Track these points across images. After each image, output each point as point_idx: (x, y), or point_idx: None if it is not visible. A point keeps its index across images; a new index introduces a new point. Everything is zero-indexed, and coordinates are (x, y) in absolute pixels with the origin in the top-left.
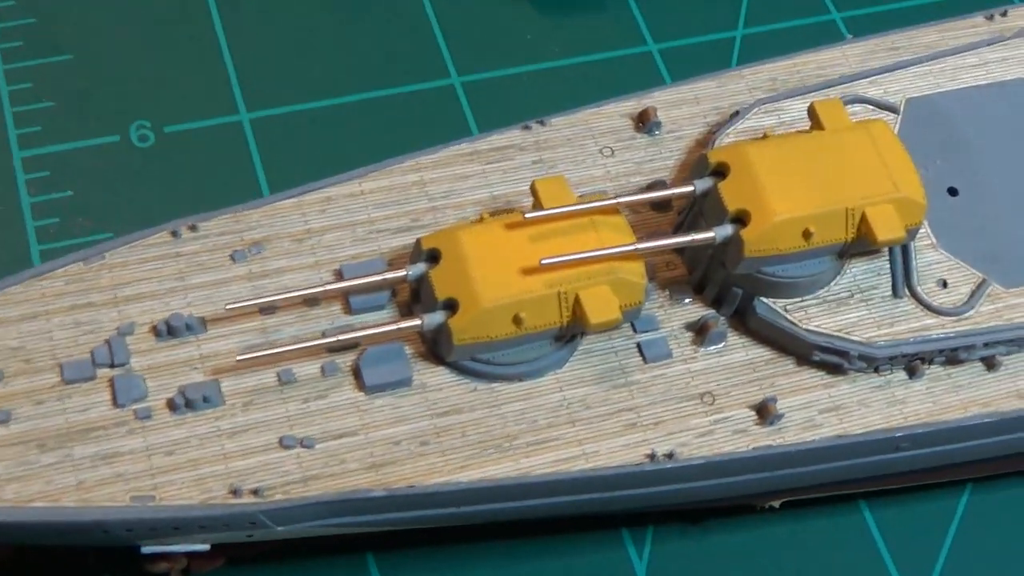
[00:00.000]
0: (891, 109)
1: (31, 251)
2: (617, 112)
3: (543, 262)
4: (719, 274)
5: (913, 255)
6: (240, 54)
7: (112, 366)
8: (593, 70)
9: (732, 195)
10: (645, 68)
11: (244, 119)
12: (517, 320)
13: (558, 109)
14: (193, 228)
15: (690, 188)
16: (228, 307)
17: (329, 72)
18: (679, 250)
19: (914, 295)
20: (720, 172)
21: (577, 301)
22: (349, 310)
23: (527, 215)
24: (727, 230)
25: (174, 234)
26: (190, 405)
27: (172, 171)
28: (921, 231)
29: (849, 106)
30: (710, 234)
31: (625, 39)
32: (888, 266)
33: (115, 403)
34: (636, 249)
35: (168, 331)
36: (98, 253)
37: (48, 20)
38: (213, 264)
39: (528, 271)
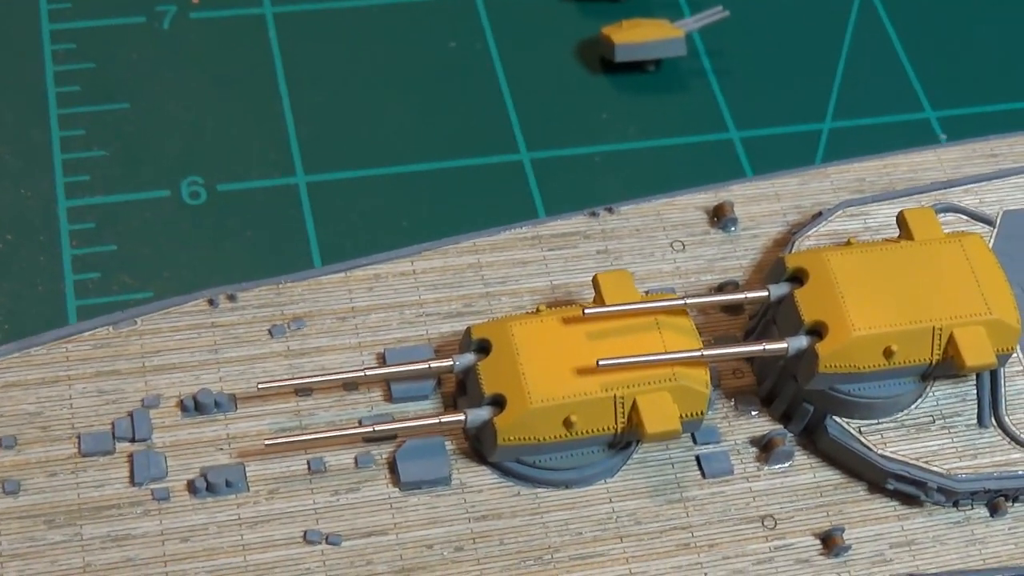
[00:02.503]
0: (986, 221)
1: (67, 306)
2: (691, 204)
3: (600, 363)
4: (790, 388)
5: (1003, 382)
6: (303, 115)
7: (133, 440)
8: (669, 155)
9: (809, 304)
10: (725, 156)
11: (301, 182)
12: (568, 423)
13: (629, 193)
14: (232, 298)
15: (764, 293)
16: (260, 386)
17: (392, 139)
18: (749, 358)
19: (1001, 426)
20: (798, 278)
21: (634, 407)
22: (390, 398)
23: (587, 311)
24: (801, 342)
25: (211, 302)
26: (211, 489)
27: (221, 232)
28: (1012, 356)
29: (941, 215)
30: (782, 345)
31: (706, 124)
32: (975, 392)
33: (132, 481)
34: (702, 356)
35: (196, 407)
36: (129, 317)
37: (108, 66)
38: (250, 338)
39: (583, 371)
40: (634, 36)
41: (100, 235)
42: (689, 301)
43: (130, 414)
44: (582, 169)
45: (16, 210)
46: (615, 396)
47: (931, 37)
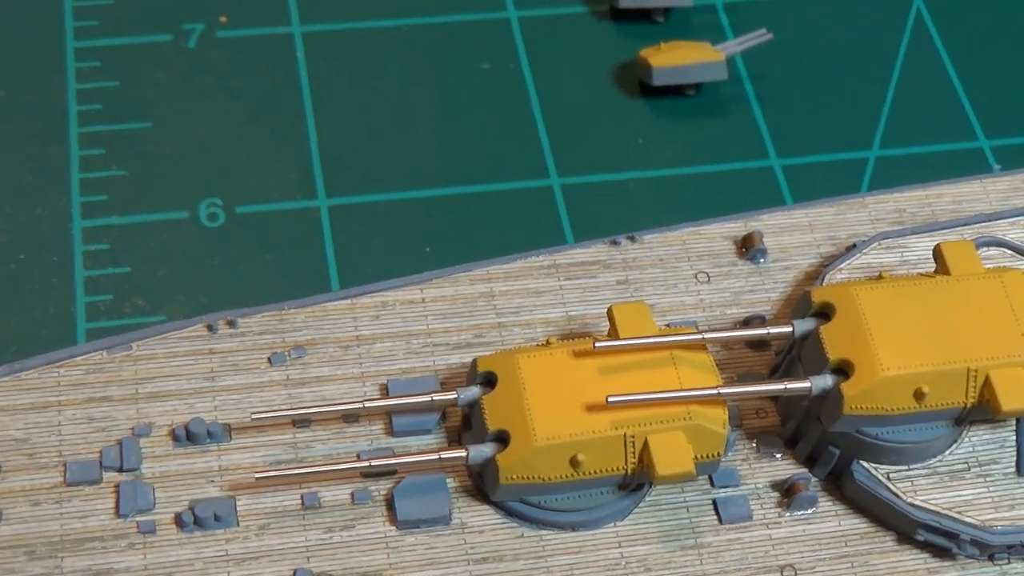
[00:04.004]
0: None
1: (77, 328)
2: (719, 233)
3: (610, 400)
4: (814, 430)
5: None
6: (327, 136)
7: (121, 470)
8: (707, 182)
9: (835, 342)
10: (765, 184)
11: (323, 205)
12: (575, 462)
13: (663, 222)
14: (232, 323)
15: (788, 329)
16: (254, 416)
17: (419, 163)
18: (773, 397)
19: None
20: (824, 314)
21: (646, 447)
22: (391, 431)
23: (597, 344)
24: (826, 381)
25: (210, 328)
26: (199, 523)
27: (238, 255)
28: None
29: (983, 249)
30: (806, 384)
31: (746, 151)
32: (1014, 438)
33: (118, 512)
34: (719, 394)
35: (187, 437)
36: (124, 342)
37: (131, 85)
38: (248, 366)
39: (593, 408)
40: (673, 59)
41: (115, 256)
42: (708, 335)
43: (119, 443)
44: (615, 196)
45: (31, 229)
46: (625, 435)
47: (986, 64)
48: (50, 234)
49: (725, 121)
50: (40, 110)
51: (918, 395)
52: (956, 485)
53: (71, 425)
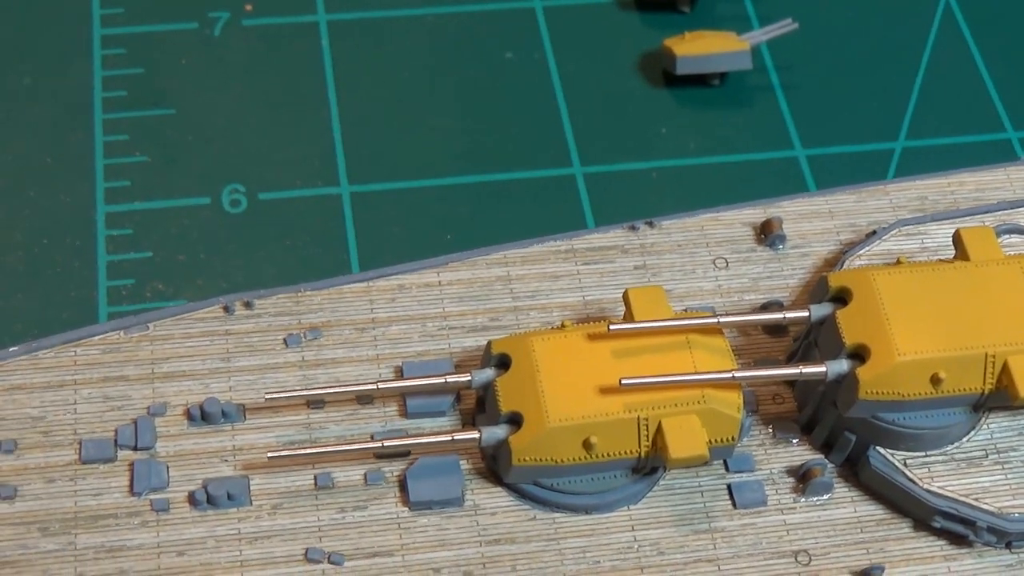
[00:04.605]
0: None
1: (99, 312)
2: (738, 220)
3: (623, 382)
4: (830, 415)
5: None
6: (351, 124)
7: (136, 449)
8: (730, 172)
9: (851, 326)
10: (789, 174)
11: (344, 192)
12: (587, 445)
13: (687, 210)
14: (248, 305)
15: (805, 313)
16: (267, 396)
17: (441, 151)
18: (789, 383)
19: None
20: (841, 298)
21: (659, 430)
22: (405, 413)
23: (612, 327)
24: (842, 366)
25: (226, 309)
26: (212, 501)
27: (260, 240)
28: None
29: (1005, 236)
30: (821, 368)
31: (771, 141)
32: None
33: (132, 491)
34: (733, 377)
35: (202, 416)
36: (142, 323)
37: (156, 72)
38: (264, 347)
39: (606, 391)
40: (697, 48)
41: (137, 241)
42: (723, 319)
43: (134, 422)
44: (638, 185)
45: (54, 214)
46: (639, 418)
47: (1015, 55)
48: (73, 219)
49: (750, 111)
50: (66, 96)
51: (935, 380)
52: (973, 472)
53: (87, 404)
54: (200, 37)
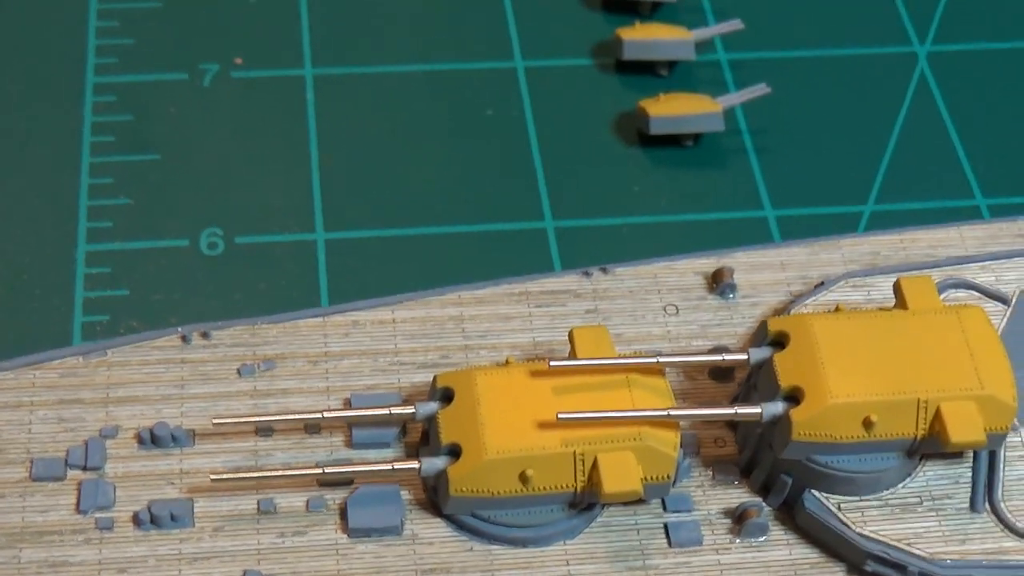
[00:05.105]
0: (1001, 299)
1: (73, 345)
2: (691, 268)
3: (560, 416)
4: (768, 458)
5: (1001, 466)
6: (330, 174)
7: (85, 469)
8: (700, 229)
9: (787, 369)
10: (758, 234)
11: (320, 238)
12: (524, 478)
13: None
14: (205, 335)
15: (743, 357)
16: (215, 422)
17: (416, 202)
18: (732, 427)
19: (995, 512)
20: (780, 343)
21: (595, 465)
22: (351, 444)
23: (552, 363)
24: (777, 407)
25: (184, 339)
26: (156, 521)
27: (234, 282)
28: (1016, 439)
29: (952, 291)
30: (756, 410)
31: (741, 201)
32: (970, 474)
33: (78, 509)
34: (668, 415)
35: (152, 440)
36: (100, 349)
37: (145, 119)
38: (218, 376)
39: (544, 425)
40: (670, 109)
41: (115, 280)
42: (663, 359)
43: (85, 443)
44: (607, 240)
45: (36, 251)
46: (575, 452)
47: (986, 122)
48: (54, 256)
49: (722, 172)
50: (56, 139)
51: (867, 424)
52: (907, 518)
53: (41, 424)
54: (190, 87)
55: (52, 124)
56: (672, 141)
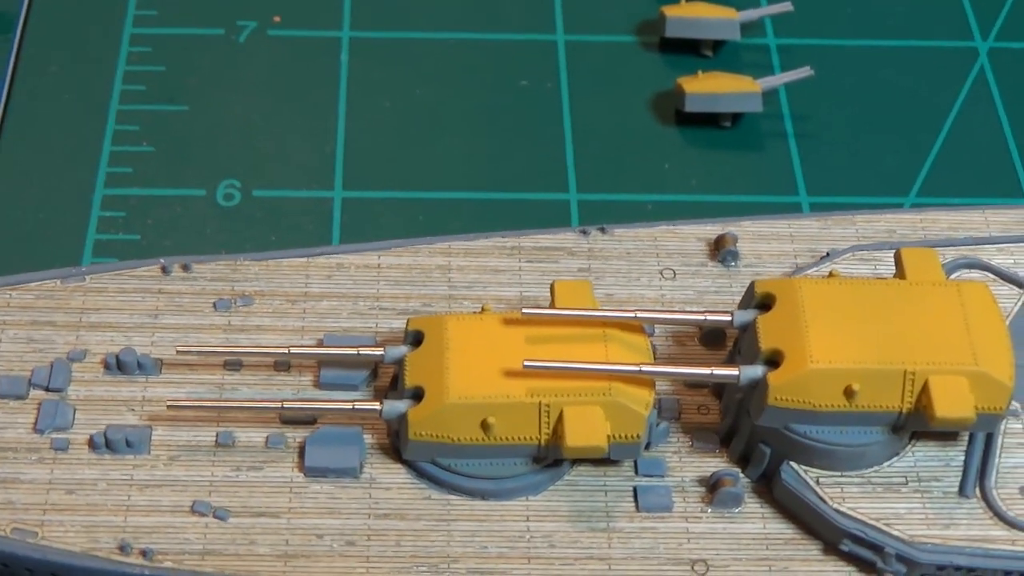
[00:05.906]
0: (1016, 282)
1: None
2: (694, 234)
3: (526, 364)
4: (747, 425)
5: (997, 451)
6: (355, 135)
7: (47, 389)
8: (728, 210)
9: (769, 332)
10: None
11: (336, 196)
12: (485, 425)
13: None
14: (186, 267)
15: (727, 317)
16: (179, 349)
17: (439, 167)
18: (718, 395)
19: (985, 498)
20: (767, 305)
21: (560, 418)
22: (319, 384)
23: (525, 311)
24: (756, 371)
25: (164, 270)
26: (110, 446)
27: (245, 234)
28: (1017, 425)
29: (965, 272)
30: (733, 372)
31: (774, 185)
32: (963, 458)
33: (35, 428)
34: (640, 371)
35: (118, 366)
36: (80, 275)
37: (177, 71)
38: (193, 308)
39: (511, 374)
40: (707, 87)
41: (128, 224)
42: (640, 315)
43: (51, 364)
44: (631, 216)
45: (54, 191)
46: (541, 403)
47: None
48: (72, 198)
49: (758, 155)
50: (87, 85)
51: (848, 393)
52: (889, 497)
53: (10, 343)
54: (225, 43)
55: (86, 71)
56: (710, 121)
